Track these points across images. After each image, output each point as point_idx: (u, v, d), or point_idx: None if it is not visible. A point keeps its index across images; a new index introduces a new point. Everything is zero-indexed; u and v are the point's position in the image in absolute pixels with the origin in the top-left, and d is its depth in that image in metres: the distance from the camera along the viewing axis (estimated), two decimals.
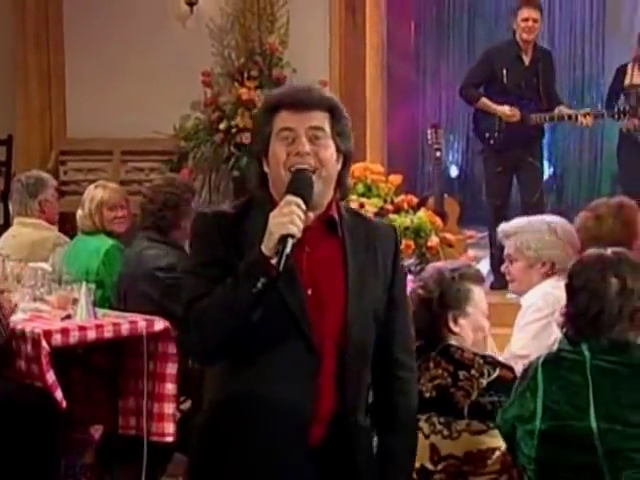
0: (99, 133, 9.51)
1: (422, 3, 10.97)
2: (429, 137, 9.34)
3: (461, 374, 3.55)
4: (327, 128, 2.79)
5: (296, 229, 2.62)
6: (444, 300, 3.66)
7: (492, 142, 8.50)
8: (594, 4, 11.81)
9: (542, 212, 8.23)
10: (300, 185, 2.72)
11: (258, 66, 8.96)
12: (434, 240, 6.82)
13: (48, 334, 5.18)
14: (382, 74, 9.58)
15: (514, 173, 8.57)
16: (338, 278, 2.83)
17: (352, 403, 2.85)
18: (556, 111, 8.37)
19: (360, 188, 7.07)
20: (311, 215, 2.74)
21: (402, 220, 6.94)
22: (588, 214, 4.80)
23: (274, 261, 2.62)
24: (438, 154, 9.30)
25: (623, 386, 3.07)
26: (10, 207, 6.86)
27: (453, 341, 3.64)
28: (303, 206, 2.67)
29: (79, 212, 6.37)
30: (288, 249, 2.61)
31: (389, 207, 7.06)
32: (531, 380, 3.23)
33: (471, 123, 8.98)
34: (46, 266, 5.77)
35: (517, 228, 4.69)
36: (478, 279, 3.81)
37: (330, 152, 2.79)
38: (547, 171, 10.82)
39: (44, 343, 5.10)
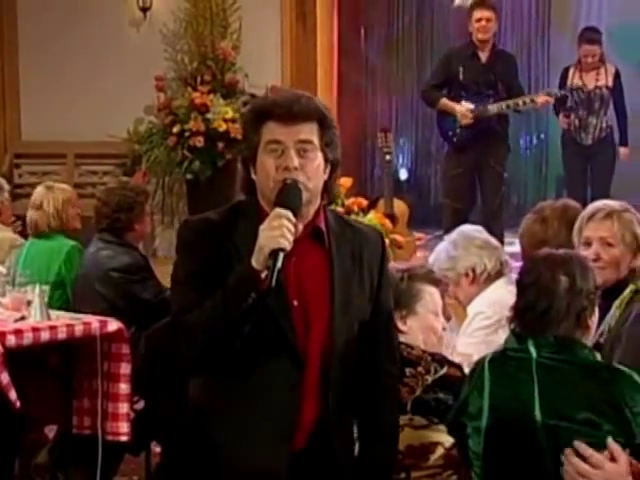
0: (53, 136, 9.48)
1: (372, 9, 10.95)
2: (379, 141, 9.35)
3: (407, 371, 3.54)
4: (315, 140, 2.75)
5: (287, 243, 2.59)
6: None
7: (455, 140, 8.50)
8: (540, 6, 11.85)
9: (500, 221, 8.31)
10: (289, 198, 2.68)
11: (211, 71, 8.95)
12: None
13: (2, 335, 5.11)
14: (332, 78, 9.61)
15: (475, 176, 8.56)
16: (324, 289, 2.81)
17: (336, 412, 2.84)
18: (492, 107, 8.35)
19: None
20: (300, 226, 2.71)
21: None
22: (533, 217, 4.79)
23: (264, 274, 2.60)
24: (388, 157, 9.31)
25: (568, 384, 3.08)
26: None
27: (402, 339, 3.63)
28: (293, 219, 2.63)
29: (35, 214, 6.26)
30: (279, 263, 2.58)
31: (340, 209, 7.07)
32: (478, 378, 3.24)
33: (435, 124, 8.96)
34: (1, 268, 5.70)
35: (434, 261, 4.70)
36: (430, 280, 3.80)
37: (317, 164, 2.76)
38: None
39: None
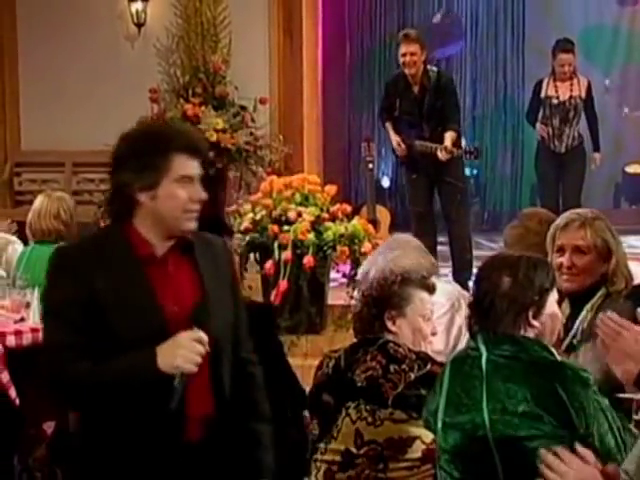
0: (52, 146, 9.46)
1: (356, 24, 10.96)
2: (362, 150, 9.37)
3: (392, 367, 3.55)
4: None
5: (196, 369, 2.74)
6: (383, 300, 3.66)
7: (404, 159, 8.57)
8: (515, 24, 11.90)
9: (465, 227, 8.33)
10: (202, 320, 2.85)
11: (202, 83, 8.93)
12: (367, 246, 6.84)
13: (2, 336, 5.15)
14: (318, 91, 9.62)
15: (432, 184, 8.55)
16: (199, 294, 2.92)
17: (223, 404, 2.96)
18: (418, 143, 8.27)
19: (298, 198, 7.09)
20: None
21: (337, 228, 6.97)
22: (517, 224, 4.79)
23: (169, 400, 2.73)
24: (370, 166, 9.34)
25: (514, 379, 3.10)
26: None
27: (391, 338, 3.64)
28: (206, 345, 2.76)
29: (48, 222, 6.13)
30: (184, 382, 2.73)
31: (325, 215, 7.08)
32: (439, 376, 3.28)
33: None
34: (1, 272, 5.69)
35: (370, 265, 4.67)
36: (423, 285, 3.79)
37: None
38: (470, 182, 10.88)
39: None
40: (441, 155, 8.05)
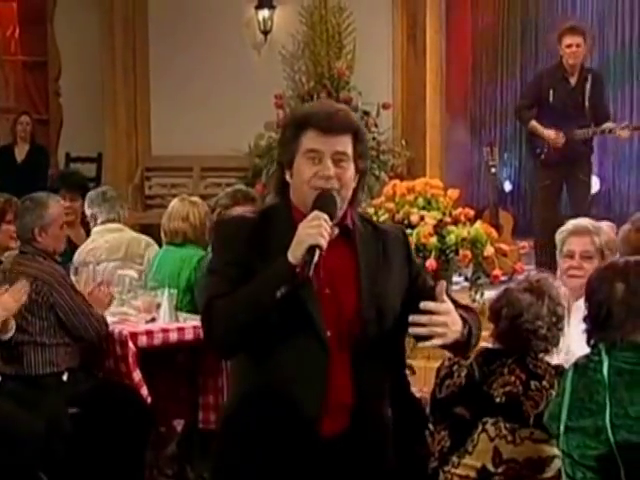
0: (181, 151, 9.59)
1: (480, 24, 10.79)
2: (485, 155, 9.26)
3: (533, 384, 3.48)
4: (350, 152, 2.77)
5: (323, 241, 2.62)
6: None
7: (542, 157, 8.36)
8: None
9: None
10: (326, 204, 2.71)
11: (326, 89, 8.96)
12: (489, 250, 6.74)
13: (134, 336, 5.21)
14: (441, 96, 9.54)
15: (563, 186, 8.43)
16: (352, 280, 2.79)
17: (369, 397, 2.76)
18: (580, 132, 8.18)
19: (420, 202, 7.01)
20: (335, 230, 2.73)
21: (459, 231, 6.87)
22: (630, 227, 4.72)
23: (298, 269, 2.61)
24: (493, 170, 9.19)
25: (638, 386, 3.02)
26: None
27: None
28: (329, 222, 2.66)
29: (179, 224, 6.15)
30: (315, 258, 2.60)
31: (447, 219, 6.99)
32: (563, 381, 3.21)
33: (525, 140, 8.87)
34: (133, 273, 5.79)
35: (592, 227, 4.51)
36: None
37: (350, 174, 2.78)
38: (595, 185, 10.62)
39: (131, 344, 5.14)
40: (623, 133, 8.23)
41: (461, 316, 2.74)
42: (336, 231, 2.72)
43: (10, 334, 4.92)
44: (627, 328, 3.12)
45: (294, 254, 2.62)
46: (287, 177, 2.82)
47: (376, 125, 8.93)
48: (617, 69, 10.17)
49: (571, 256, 4.41)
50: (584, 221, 4.58)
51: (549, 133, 8.18)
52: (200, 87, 9.62)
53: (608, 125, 8.27)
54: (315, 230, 2.62)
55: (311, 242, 2.60)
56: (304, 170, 2.75)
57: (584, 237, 4.42)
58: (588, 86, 8.25)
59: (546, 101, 8.25)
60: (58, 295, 5.03)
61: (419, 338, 2.68)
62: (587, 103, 8.22)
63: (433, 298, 2.71)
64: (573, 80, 8.24)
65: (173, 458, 5.73)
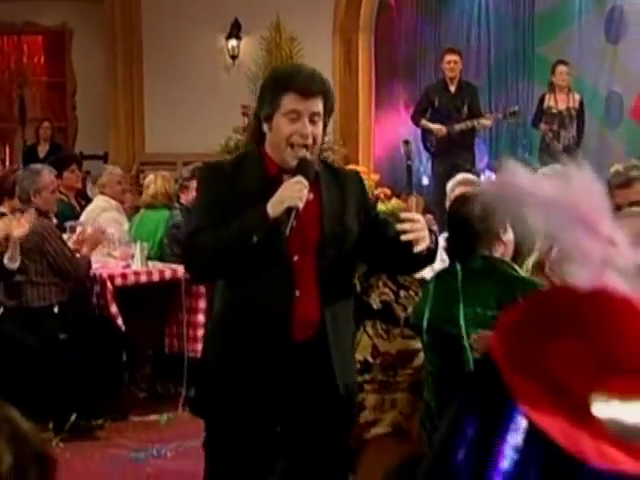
0: (167, 150, 9.47)
1: (401, 53, 10.59)
2: (401, 150, 9.13)
3: (402, 293, 3.38)
4: (321, 111, 2.52)
5: (301, 204, 2.40)
6: None
7: (433, 150, 8.46)
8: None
9: None
10: (307, 170, 2.47)
11: None
12: None
13: (111, 277, 5.10)
14: (370, 105, 9.45)
15: (452, 173, 8.32)
16: (317, 216, 2.55)
17: (331, 310, 2.55)
18: (457, 126, 8.24)
19: None
20: (310, 194, 2.49)
21: (379, 206, 6.76)
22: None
23: (281, 227, 2.39)
24: (409, 162, 9.07)
25: (485, 288, 2.91)
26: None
27: None
28: (308, 187, 2.44)
29: (151, 191, 6.05)
30: (292, 218, 2.38)
31: (370, 197, 6.88)
32: (427, 287, 3.11)
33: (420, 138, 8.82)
34: (110, 229, 5.60)
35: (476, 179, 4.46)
36: None
37: (320, 130, 2.54)
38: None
39: (109, 284, 5.06)
40: (487, 121, 8.30)
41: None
42: (311, 196, 2.48)
43: (17, 264, 4.72)
44: (480, 244, 2.99)
45: (274, 209, 2.40)
46: (264, 129, 2.56)
47: None
48: (493, 80, 10.07)
49: None
50: (470, 175, 4.51)
51: (434, 126, 8.29)
52: (183, 100, 9.47)
53: (476, 119, 8.32)
54: (297, 194, 2.40)
55: (291, 204, 2.39)
56: (284, 128, 2.49)
57: (469, 186, 4.36)
58: (464, 93, 8.37)
59: (433, 106, 8.37)
60: (48, 244, 4.87)
61: (404, 251, 2.44)
62: (463, 106, 8.30)
63: (389, 224, 2.56)
64: (452, 88, 8.35)
65: (147, 376, 5.57)
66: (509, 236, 3.05)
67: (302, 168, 2.49)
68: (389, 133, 9.81)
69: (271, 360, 2.53)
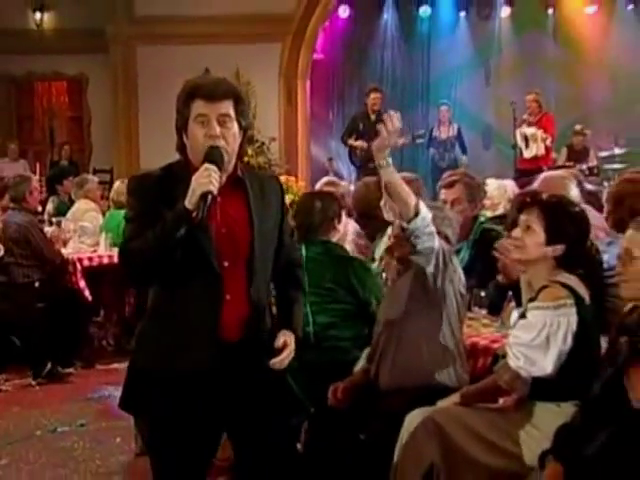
0: (159, 164, 9.26)
1: (333, 90, 10.55)
2: (326, 165, 9.14)
3: None
4: (232, 113, 2.10)
5: (214, 188, 2.00)
6: None
7: (357, 163, 8.34)
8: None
9: None
10: (214, 157, 2.05)
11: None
12: None
13: (81, 260, 5.11)
14: (307, 131, 9.45)
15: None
16: (245, 220, 2.14)
17: (259, 311, 2.15)
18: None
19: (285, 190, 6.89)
20: (224, 178, 2.07)
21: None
22: None
23: (195, 213, 1.99)
24: (332, 175, 9.09)
25: (324, 267, 2.95)
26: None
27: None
28: (218, 172, 2.02)
29: (116, 196, 5.80)
30: (208, 202, 2.00)
31: (297, 199, 6.87)
32: None
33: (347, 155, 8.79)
34: (87, 224, 5.57)
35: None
36: None
37: (233, 132, 2.10)
38: None
39: (78, 264, 5.09)
40: (400, 141, 8.05)
41: None
42: (224, 178, 2.08)
43: (1, 253, 4.77)
44: (321, 231, 2.98)
45: (190, 200, 1.99)
46: (184, 139, 2.14)
47: (268, 149, 8.79)
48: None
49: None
50: (334, 178, 4.42)
51: (357, 143, 8.18)
52: (171, 129, 9.37)
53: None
54: (206, 180, 1.99)
55: (203, 189, 1.99)
56: (196, 132, 2.08)
57: (331, 187, 4.19)
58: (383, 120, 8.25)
59: (358, 129, 8.28)
60: (31, 235, 4.91)
61: None
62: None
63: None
64: (373, 117, 8.22)
65: (115, 335, 5.56)
66: (342, 225, 3.07)
67: (209, 155, 2.06)
68: (321, 153, 9.80)
69: (200, 360, 2.08)
